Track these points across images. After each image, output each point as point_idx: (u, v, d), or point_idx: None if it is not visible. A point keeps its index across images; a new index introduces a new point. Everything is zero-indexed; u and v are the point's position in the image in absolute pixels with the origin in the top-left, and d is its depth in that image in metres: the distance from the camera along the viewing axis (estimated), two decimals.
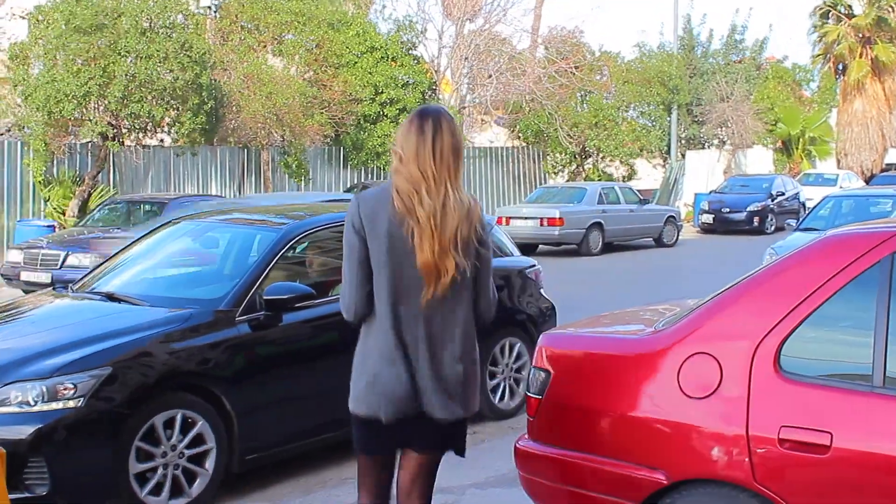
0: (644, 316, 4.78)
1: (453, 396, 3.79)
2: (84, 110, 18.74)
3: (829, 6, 39.22)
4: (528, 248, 22.46)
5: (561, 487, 4.16)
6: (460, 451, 4.03)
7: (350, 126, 25.28)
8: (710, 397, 3.74)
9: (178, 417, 5.75)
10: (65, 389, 5.36)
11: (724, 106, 35.15)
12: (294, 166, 24.13)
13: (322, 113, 23.75)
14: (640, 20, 71.40)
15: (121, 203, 17.80)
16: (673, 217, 24.95)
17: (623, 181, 30.82)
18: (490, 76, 28.91)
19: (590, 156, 32.59)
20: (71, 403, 5.35)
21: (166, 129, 20.75)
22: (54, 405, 5.33)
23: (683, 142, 36.17)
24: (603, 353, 4.24)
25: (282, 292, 6.30)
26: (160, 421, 5.67)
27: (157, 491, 5.66)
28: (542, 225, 22.12)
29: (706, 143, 37.40)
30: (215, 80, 20.70)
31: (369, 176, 26.49)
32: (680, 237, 25.23)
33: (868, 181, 34.43)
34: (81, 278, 7.40)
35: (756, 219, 27.56)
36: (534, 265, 8.69)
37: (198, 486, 5.85)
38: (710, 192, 29.93)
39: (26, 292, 12.46)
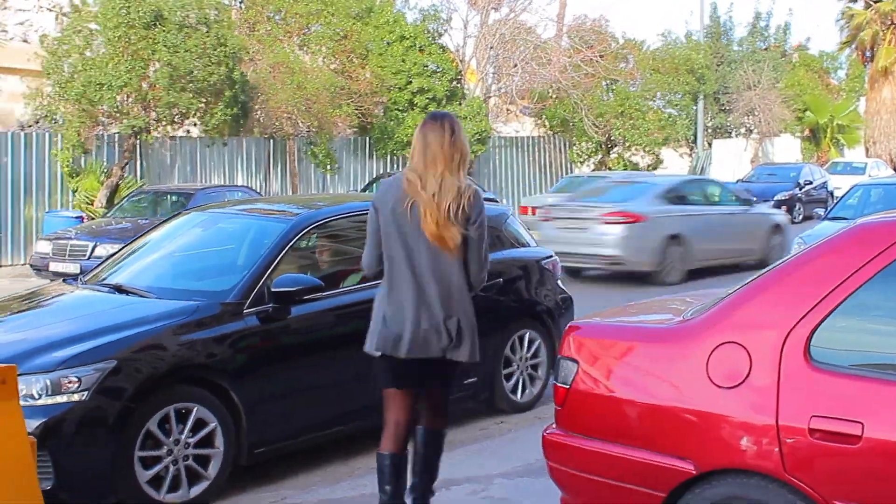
0: (672, 305, 4.75)
1: (447, 341, 4.73)
2: (122, 102, 18.86)
3: None
4: None
5: (588, 477, 4.15)
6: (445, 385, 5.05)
7: (377, 116, 25.29)
8: (739, 387, 3.71)
9: (185, 411, 5.71)
10: (69, 383, 5.33)
11: (751, 94, 34.93)
12: (321, 156, 24.16)
13: (349, 104, 23.77)
14: (665, 7, 70.94)
15: (148, 193, 17.91)
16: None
17: (649, 171, 30.69)
18: (515, 65, 28.86)
19: (615, 145, 32.47)
20: (75, 397, 5.33)
21: (195, 120, 20.82)
22: (59, 399, 5.30)
23: (710, 131, 35.97)
24: (630, 343, 4.22)
25: (290, 284, 6.24)
26: (167, 414, 5.63)
27: (162, 485, 5.62)
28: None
29: (733, 132, 37.17)
30: (244, 74, 20.76)
31: (395, 166, 26.48)
32: None
33: None
34: (92, 269, 7.38)
35: (783, 208, 27.33)
36: (550, 256, 8.53)
37: (203, 482, 5.80)
38: (737, 182, 29.71)
39: None
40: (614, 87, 32.06)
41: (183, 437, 5.68)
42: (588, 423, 4.19)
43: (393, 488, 4.93)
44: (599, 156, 32.59)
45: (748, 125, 36.92)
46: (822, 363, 3.59)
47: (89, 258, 13.94)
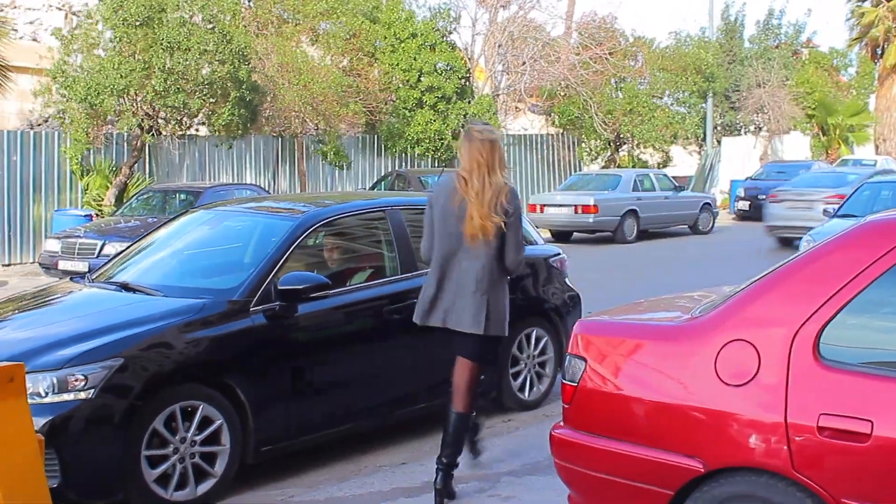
0: (680, 303, 4.73)
1: (472, 317, 5.59)
2: (123, 102, 18.88)
3: None
4: (562, 236, 22.45)
5: (596, 475, 4.14)
6: (491, 362, 6.11)
7: (385, 114, 25.27)
8: (748, 384, 3.70)
9: (191, 409, 5.70)
10: (76, 381, 5.33)
11: (761, 91, 34.83)
12: (331, 154, 24.17)
13: (357, 102, 23.76)
14: (675, 5, 70.75)
15: (157, 192, 17.95)
16: (709, 204, 24.77)
17: (658, 168, 30.64)
18: (524, 63, 28.82)
19: (624, 143, 32.43)
20: (82, 395, 5.32)
21: (203, 119, 20.83)
22: (65, 396, 5.30)
23: (720, 128, 35.88)
24: (639, 341, 4.20)
25: (297, 282, 6.22)
26: (173, 412, 5.62)
27: (170, 483, 5.61)
28: (576, 212, 22.06)
29: (742, 130, 37.08)
30: (252, 72, 20.75)
31: (405, 164, 26.47)
32: (716, 224, 25.05)
33: None
34: (99, 267, 7.38)
35: None
36: (558, 254, 8.50)
37: (210, 480, 5.80)
38: (747, 179, 29.62)
39: None
40: (623, 85, 32.00)
41: (189, 435, 5.67)
42: (596, 421, 4.18)
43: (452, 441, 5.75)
44: (608, 153, 32.54)
45: (758, 123, 36.80)
46: (831, 361, 3.58)
47: (98, 256, 13.96)
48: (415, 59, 25.64)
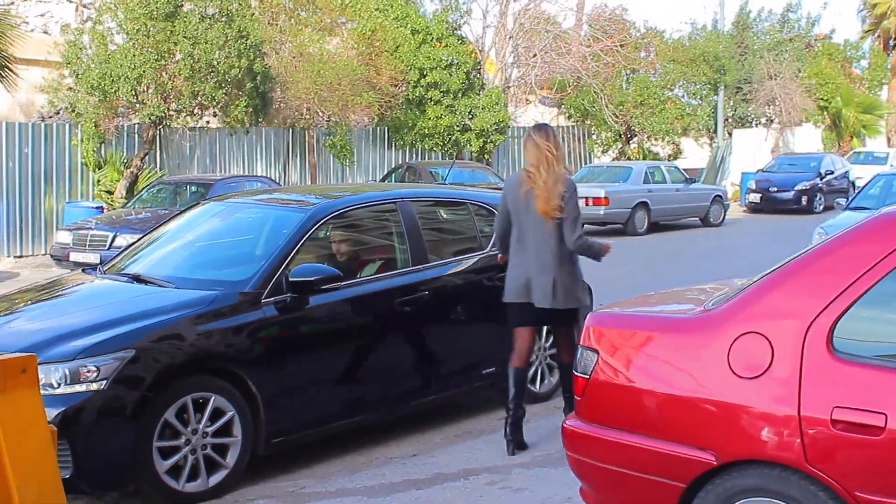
0: (692, 295, 4.72)
1: (548, 293, 6.40)
2: (137, 92, 18.91)
3: None
4: None
5: (608, 467, 4.14)
6: (569, 324, 6.67)
7: (394, 109, 25.22)
8: (761, 377, 3.68)
9: (203, 400, 5.70)
10: (88, 372, 5.34)
11: (773, 84, 34.69)
12: (339, 146, 24.16)
13: (369, 93, 23.71)
14: None
15: (168, 184, 17.96)
16: (720, 196, 24.71)
17: (669, 160, 30.56)
18: (535, 55, 28.76)
19: (635, 135, 32.35)
20: (94, 386, 5.33)
21: (216, 111, 20.85)
22: (77, 388, 5.31)
23: (731, 120, 35.75)
24: (651, 333, 4.19)
25: (308, 274, 6.22)
26: (185, 404, 5.63)
27: (181, 474, 5.62)
28: (587, 204, 21.97)
29: (754, 122, 36.94)
30: (266, 66, 20.75)
31: (415, 156, 26.45)
32: (727, 217, 24.96)
33: None
34: (111, 259, 7.39)
35: (804, 198, 27.15)
36: None
37: (222, 471, 5.81)
38: (758, 171, 29.48)
39: None
40: (634, 78, 31.91)
41: (201, 426, 5.68)
42: (608, 413, 4.17)
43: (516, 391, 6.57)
44: (619, 145, 32.47)
45: (769, 115, 36.66)
46: (844, 354, 3.56)
47: (109, 248, 14.00)
48: (415, 56, 25.53)
